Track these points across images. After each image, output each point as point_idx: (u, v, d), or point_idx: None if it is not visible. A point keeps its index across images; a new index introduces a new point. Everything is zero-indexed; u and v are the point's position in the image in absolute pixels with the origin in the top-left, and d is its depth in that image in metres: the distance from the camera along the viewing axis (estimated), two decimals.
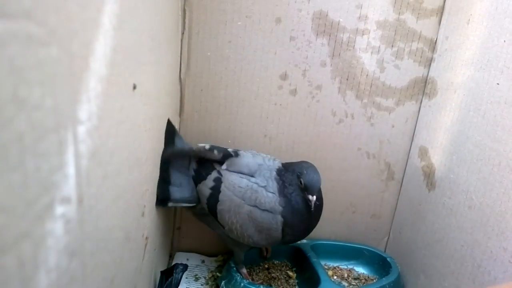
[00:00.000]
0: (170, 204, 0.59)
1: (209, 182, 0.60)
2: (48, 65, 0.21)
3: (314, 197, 0.56)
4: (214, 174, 0.61)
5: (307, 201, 0.56)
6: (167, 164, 0.59)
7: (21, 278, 0.20)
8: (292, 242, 0.64)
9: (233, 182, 0.60)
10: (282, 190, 0.58)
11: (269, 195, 0.58)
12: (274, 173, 0.61)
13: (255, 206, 0.58)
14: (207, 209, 0.61)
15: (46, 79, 0.21)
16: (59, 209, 0.23)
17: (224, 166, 0.62)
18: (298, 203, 0.58)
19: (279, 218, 0.58)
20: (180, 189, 0.60)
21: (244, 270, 0.66)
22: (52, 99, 0.21)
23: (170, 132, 0.60)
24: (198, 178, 0.62)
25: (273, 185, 0.59)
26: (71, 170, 0.24)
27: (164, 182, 0.57)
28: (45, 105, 0.21)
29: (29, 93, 0.20)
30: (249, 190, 0.59)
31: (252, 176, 0.61)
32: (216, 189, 0.60)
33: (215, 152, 0.62)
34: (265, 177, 0.60)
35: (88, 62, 0.26)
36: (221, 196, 0.59)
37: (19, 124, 0.19)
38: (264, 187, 0.59)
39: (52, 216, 0.22)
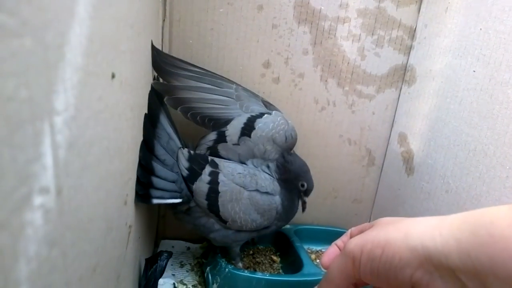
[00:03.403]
0: (154, 197, 0.54)
1: (205, 177, 0.58)
2: (21, 56, 0.21)
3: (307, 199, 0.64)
4: (208, 168, 0.59)
5: (303, 203, 0.64)
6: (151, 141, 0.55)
7: (1, 267, 0.21)
8: (279, 226, 0.65)
9: (231, 169, 0.59)
10: (280, 178, 0.63)
11: (267, 176, 0.61)
12: (272, 163, 0.63)
13: (256, 190, 0.60)
14: (207, 207, 0.58)
15: (20, 70, 0.21)
16: (38, 200, 0.23)
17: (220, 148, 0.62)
18: (291, 193, 0.63)
19: (277, 199, 0.61)
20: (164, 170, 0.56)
21: (240, 265, 0.67)
22: (27, 90, 0.21)
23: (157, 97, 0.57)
24: (193, 176, 0.58)
25: (268, 170, 0.63)
26: (48, 161, 0.24)
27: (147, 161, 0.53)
28: (19, 97, 0.21)
29: (3, 85, 0.20)
30: (248, 174, 0.60)
31: (244, 163, 0.62)
32: (214, 182, 0.58)
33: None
34: (258, 163, 0.63)
35: (63, 52, 0.25)
36: (220, 187, 0.58)
37: None
38: (259, 169, 0.62)
39: (30, 206, 0.22)
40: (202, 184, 0.58)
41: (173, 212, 0.63)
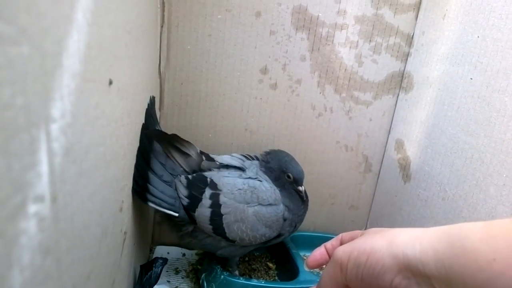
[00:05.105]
0: (150, 200, 0.54)
1: (206, 201, 0.56)
2: (19, 63, 0.21)
3: (303, 187, 0.62)
4: (208, 191, 0.57)
5: (298, 192, 0.62)
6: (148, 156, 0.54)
7: None
8: (288, 232, 0.63)
9: (230, 186, 0.57)
10: (274, 181, 0.62)
11: (267, 187, 0.60)
12: (259, 168, 0.62)
13: (259, 204, 0.58)
14: (213, 231, 0.58)
15: (17, 78, 0.21)
16: (32, 208, 0.23)
17: (217, 159, 0.61)
18: (292, 194, 0.62)
19: (281, 207, 0.60)
20: (161, 183, 0.56)
21: (237, 272, 0.67)
22: (24, 98, 0.21)
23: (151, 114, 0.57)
24: (194, 203, 0.56)
25: (265, 177, 0.61)
26: (44, 168, 0.23)
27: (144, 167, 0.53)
28: (16, 104, 0.21)
29: (0, 93, 0.19)
30: (248, 189, 0.58)
31: (243, 170, 0.61)
32: (215, 204, 0.57)
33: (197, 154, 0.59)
34: (254, 171, 0.61)
35: (61, 59, 0.25)
36: (223, 209, 0.57)
37: None
38: (259, 180, 0.60)
39: (25, 215, 0.22)
40: (204, 210, 0.56)
41: (178, 236, 0.61)
